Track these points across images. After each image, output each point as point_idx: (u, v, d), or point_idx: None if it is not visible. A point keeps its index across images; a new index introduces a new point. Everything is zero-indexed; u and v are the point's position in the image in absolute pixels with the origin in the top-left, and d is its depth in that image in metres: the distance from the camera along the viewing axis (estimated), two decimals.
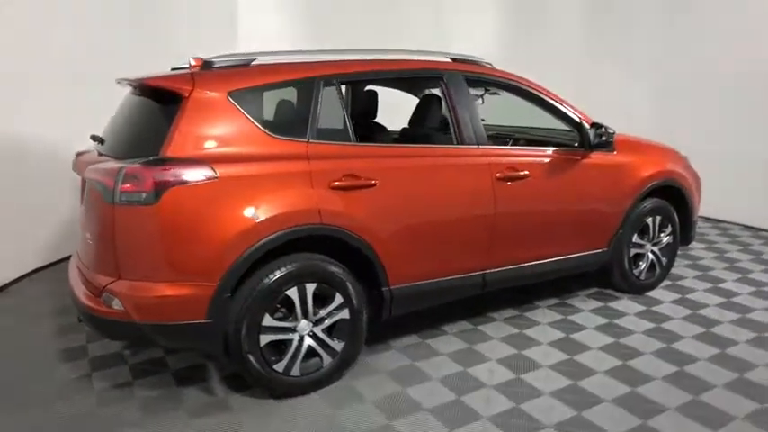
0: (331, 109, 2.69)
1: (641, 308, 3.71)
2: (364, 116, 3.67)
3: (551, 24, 7.14)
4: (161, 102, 2.50)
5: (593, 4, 7.05)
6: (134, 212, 2.28)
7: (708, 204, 4.38)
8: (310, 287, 2.58)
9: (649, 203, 3.77)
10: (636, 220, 3.71)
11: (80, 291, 2.53)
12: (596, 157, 3.49)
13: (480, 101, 3.96)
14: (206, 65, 2.59)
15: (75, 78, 4.12)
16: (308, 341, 2.64)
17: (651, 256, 3.92)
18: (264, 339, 2.51)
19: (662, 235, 3.93)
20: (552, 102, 3.42)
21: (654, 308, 3.71)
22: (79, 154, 2.86)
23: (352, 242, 2.64)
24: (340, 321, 2.70)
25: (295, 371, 2.61)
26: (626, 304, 3.77)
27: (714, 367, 2.92)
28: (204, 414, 2.52)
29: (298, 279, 2.54)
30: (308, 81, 2.66)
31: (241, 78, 2.54)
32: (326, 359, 2.69)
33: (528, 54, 6.75)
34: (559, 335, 3.31)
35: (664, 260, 3.99)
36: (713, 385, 2.75)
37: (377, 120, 3.84)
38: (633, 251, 3.80)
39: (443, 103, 3.09)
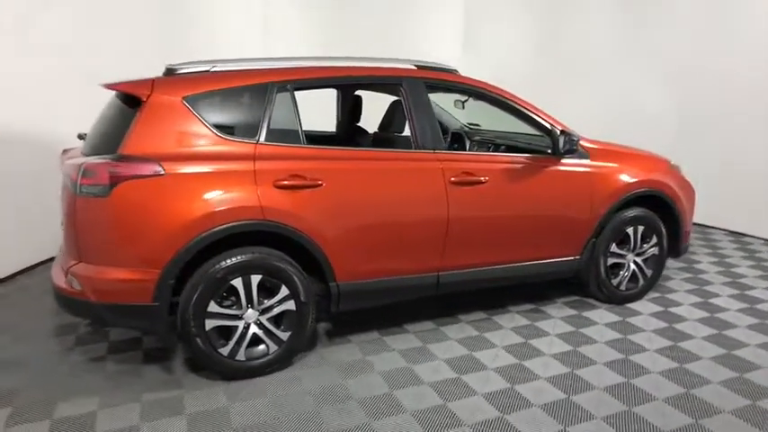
0: (283, 113, 2.87)
1: (615, 319, 3.64)
2: (349, 120, 3.82)
3: (579, 27, 7.00)
4: (128, 104, 2.77)
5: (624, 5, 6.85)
6: (91, 203, 2.56)
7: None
8: (255, 278, 2.77)
9: (630, 213, 3.69)
10: (614, 228, 3.65)
11: (56, 272, 2.85)
12: (567, 163, 3.47)
13: (461, 106, 4.03)
14: (169, 71, 2.84)
15: (90, 78, 4.51)
16: (254, 329, 2.83)
17: (633, 266, 3.83)
18: (210, 324, 2.72)
19: (645, 246, 3.83)
20: (520, 108, 3.44)
21: (628, 319, 3.64)
22: (65, 151, 3.20)
23: (295, 238, 2.80)
24: (286, 312, 2.88)
25: (240, 356, 2.81)
26: (600, 314, 3.72)
27: (662, 381, 2.86)
28: (157, 389, 2.76)
29: (242, 270, 2.73)
30: (260, 87, 2.85)
31: (196, 84, 2.77)
32: (272, 347, 2.87)
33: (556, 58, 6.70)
34: (518, 340, 3.33)
35: (648, 272, 3.89)
36: (655, 398, 2.70)
37: (360, 124, 4.00)
38: (611, 260, 3.73)
39: (403, 108, 3.19)
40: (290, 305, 2.87)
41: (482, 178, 3.21)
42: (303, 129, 2.92)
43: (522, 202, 3.36)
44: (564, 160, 3.47)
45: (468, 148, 4.10)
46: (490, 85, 3.40)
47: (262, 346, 2.86)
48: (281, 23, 6.53)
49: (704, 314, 3.71)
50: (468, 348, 3.21)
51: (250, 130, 2.80)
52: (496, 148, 4.00)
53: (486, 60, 7.17)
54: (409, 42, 6.99)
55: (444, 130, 4.28)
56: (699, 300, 3.96)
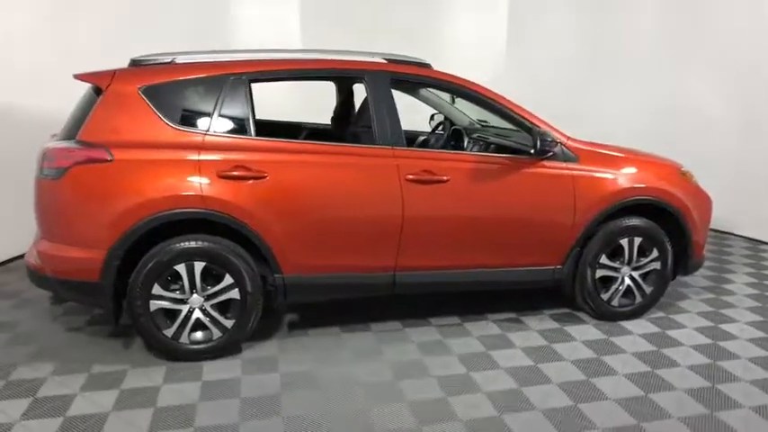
0: (235, 105, 2.92)
1: (597, 336, 3.35)
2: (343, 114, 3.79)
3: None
4: (94, 93, 2.94)
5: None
6: (49, 185, 2.76)
7: None
8: (199, 265, 2.85)
9: (625, 222, 3.36)
10: (603, 238, 3.35)
11: (30, 249, 3.10)
12: (546, 165, 3.23)
13: (452, 101, 3.87)
14: (133, 63, 2.98)
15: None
16: (197, 314, 2.91)
17: (628, 281, 3.49)
18: (154, 306, 2.84)
19: (644, 259, 3.48)
20: (495, 104, 3.25)
21: (613, 338, 3.33)
22: (52, 136, 3.45)
23: (236, 228, 2.85)
24: (231, 300, 2.94)
25: (183, 339, 2.91)
26: (584, 330, 3.43)
27: (615, 410, 2.59)
28: (108, 361, 2.94)
29: (186, 257, 2.82)
30: (214, 78, 2.91)
31: (154, 75, 2.88)
32: (216, 334, 2.95)
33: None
34: (479, 349, 3.16)
35: (647, 288, 3.53)
36: (596, 427, 2.46)
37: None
38: (601, 273, 3.43)
39: (369, 103, 3.12)
40: (235, 294, 2.92)
41: (444, 177, 3.07)
42: (257, 120, 2.96)
43: (490, 204, 3.17)
44: (546, 162, 3.23)
45: (465, 145, 3.92)
46: (463, 80, 3.23)
47: (207, 332, 2.94)
48: (314, 22, 6.59)
49: (705, 341, 3.31)
50: (422, 353, 3.10)
51: (201, 121, 2.88)
52: (487, 147, 3.79)
53: (531, 59, 6.81)
54: (450, 40, 6.80)
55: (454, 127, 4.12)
56: (707, 324, 3.54)
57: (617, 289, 3.48)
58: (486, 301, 3.73)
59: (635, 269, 3.50)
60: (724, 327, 3.51)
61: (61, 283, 2.84)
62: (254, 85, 3.13)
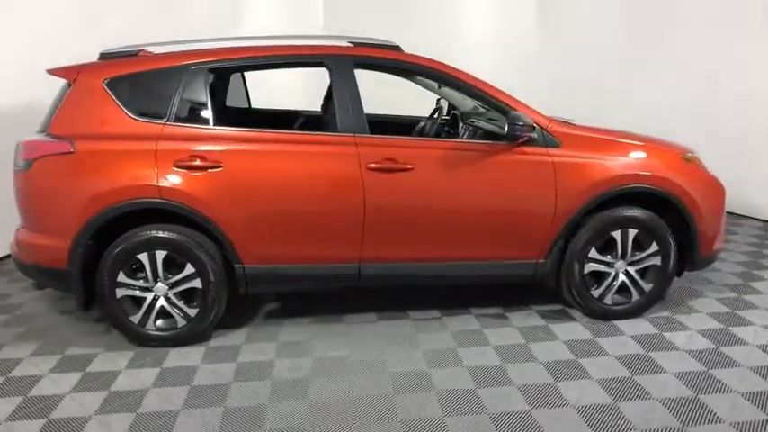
0: (194, 95, 2.92)
1: (583, 336, 3.10)
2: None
3: None
4: (67, 87, 3.04)
5: None
6: (21, 176, 2.89)
7: None
8: (160, 254, 2.90)
9: (617, 213, 3.08)
10: (592, 230, 3.08)
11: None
12: (523, 151, 3.00)
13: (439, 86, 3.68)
14: (102, 56, 3.05)
15: None
16: (162, 302, 2.97)
17: (623, 277, 3.20)
18: (120, 293, 2.93)
19: (640, 253, 3.17)
20: (468, 86, 3.06)
21: (600, 339, 3.07)
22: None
23: (193, 218, 2.86)
24: (195, 290, 2.97)
25: (149, 325, 2.98)
26: (570, 329, 3.19)
27: (573, 418, 2.38)
28: (84, 344, 3.07)
29: (147, 246, 2.88)
30: (174, 69, 2.92)
31: (118, 68, 2.93)
32: (180, 321, 3.00)
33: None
34: (449, 345, 3.02)
35: (645, 285, 3.22)
36: None
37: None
38: (591, 267, 3.16)
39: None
40: (197, 283, 2.95)
41: (408, 166, 2.92)
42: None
43: (459, 193, 2.99)
44: (526, 148, 3.00)
45: (460, 131, 3.72)
46: (431, 62, 3.06)
47: (170, 319, 3.00)
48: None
49: (706, 345, 2.97)
50: (392, 345, 3.00)
51: (160, 112, 2.90)
52: (474, 133, 3.57)
53: (563, 36, 6.39)
54: (476, 17, 6.52)
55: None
56: (716, 326, 3.18)
57: (609, 285, 3.20)
58: (483, 293, 3.56)
59: (631, 264, 3.19)
60: (735, 330, 3.14)
61: (36, 270, 2.98)
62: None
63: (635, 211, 3.09)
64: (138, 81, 2.92)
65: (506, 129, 2.86)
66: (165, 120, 2.89)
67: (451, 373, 2.74)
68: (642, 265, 3.20)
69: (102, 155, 2.83)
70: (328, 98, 3.25)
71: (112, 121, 2.87)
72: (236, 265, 2.97)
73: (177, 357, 2.95)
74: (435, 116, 4.09)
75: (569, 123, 3.37)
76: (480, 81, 3.07)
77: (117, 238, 2.86)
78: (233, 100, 3.97)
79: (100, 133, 2.86)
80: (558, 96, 5.87)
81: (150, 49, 3.04)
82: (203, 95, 2.93)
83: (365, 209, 2.93)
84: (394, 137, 3.01)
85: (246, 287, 3.03)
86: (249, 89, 4.24)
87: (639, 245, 3.17)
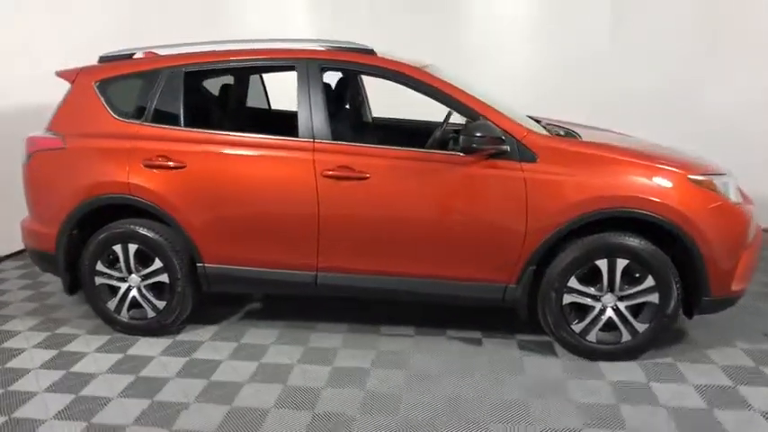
0: (169, 97, 3.03)
1: (554, 376, 2.75)
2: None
3: None
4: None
5: None
6: (24, 168, 3.21)
7: None
8: (132, 247, 3.06)
9: (603, 238, 2.70)
10: (572, 257, 2.73)
11: None
12: (495, 164, 2.73)
13: None
14: (100, 59, 3.28)
15: None
16: (134, 293, 3.14)
17: (611, 313, 2.80)
18: (98, 281, 3.14)
19: (630, 288, 2.76)
20: (438, 92, 2.85)
21: (571, 381, 2.70)
22: None
23: (159, 215, 2.98)
24: (164, 284, 3.10)
25: (123, 314, 3.17)
26: (545, 366, 2.85)
27: None
28: (74, 325, 3.33)
29: (120, 239, 3.06)
30: (153, 72, 3.06)
31: (107, 70, 3.14)
32: (150, 313, 3.14)
33: None
34: (351, 365, 2.84)
35: (638, 325, 2.79)
36: None
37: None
38: (569, 298, 2.80)
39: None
40: (164, 278, 3.08)
41: (365, 174, 2.80)
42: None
43: (418, 205, 2.79)
44: (497, 161, 2.73)
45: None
46: (401, 65, 2.90)
47: (141, 310, 3.15)
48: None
49: (697, 404, 2.50)
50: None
51: (139, 112, 3.06)
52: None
53: (637, 35, 5.75)
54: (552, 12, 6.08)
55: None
56: (723, 384, 2.66)
57: (594, 321, 2.82)
58: (447, 313, 3.33)
59: (622, 299, 2.78)
60: (745, 390, 2.60)
61: (33, 254, 3.30)
62: None
63: (625, 238, 2.69)
64: (123, 83, 3.11)
65: (460, 140, 2.63)
66: (142, 120, 3.04)
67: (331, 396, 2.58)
68: (635, 302, 2.78)
69: (87, 151, 3.05)
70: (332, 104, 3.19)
71: (99, 121, 3.08)
72: (197, 264, 3.05)
73: (144, 346, 3.09)
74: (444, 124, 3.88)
75: (562, 135, 3.03)
76: (453, 88, 2.86)
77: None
78: (253, 101, 4.09)
79: (88, 131, 3.09)
80: (629, 106, 5.40)
81: (141, 53, 3.21)
82: (178, 97, 3.03)
83: (319, 216, 2.85)
84: (352, 143, 2.90)
85: (208, 286, 3.10)
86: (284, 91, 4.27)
87: (634, 277, 2.76)
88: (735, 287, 2.77)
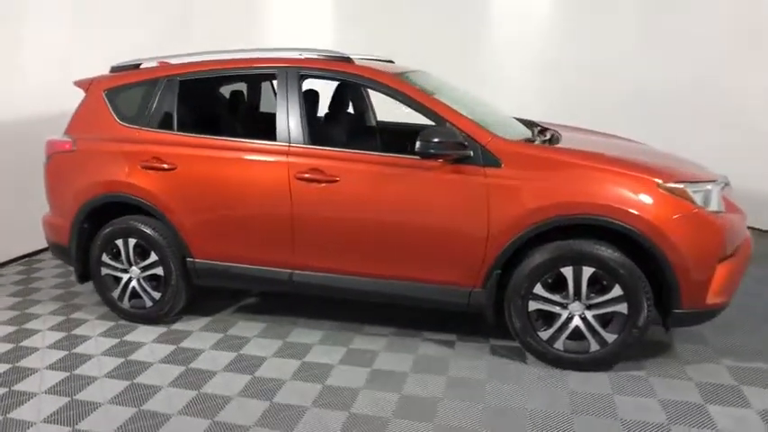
0: (165, 104, 3.28)
1: (506, 387, 2.74)
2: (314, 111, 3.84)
3: None
4: None
5: None
6: (45, 168, 3.56)
7: None
8: (132, 241, 3.34)
9: (567, 245, 2.66)
10: (537, 264, 2.71)
11: None
12: (459, 169, 2.76)
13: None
14: (111, 69, 3.58)
15: None
16: (134, 284, 3.41)
17: (578, 321, 2.75)
18: (104, 272, 3.44)
19: (596, 296, 2.70)
20: (408, 99, 2.93)
21: (537, 388, 2.68)
22: None
23: (153, 213, 3.23)
24: (158, 276, 3.35)
25: (125, 302, 3.45)
26: (513, 373, 2.84)
27: None
28: (88, 312, 3.65)
29: (122, 234, 3.34)
30: (153, 81, 3.32)
31: (115, 80, 3.43)
32: (147, 302, 3.41)
33: None
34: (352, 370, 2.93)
35: (607, 336, 2.72)
36: None
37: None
38: (536, 306, 2.78)
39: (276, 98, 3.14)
40: (159, 271, 3.33)
41: (335, 177, 2.91)
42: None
43: (385, 208, 2.87)
44: (462, 166, 2.76)
45: None
46: (375, 73, 3.02)
47: (141, 300, 3.42)
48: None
49: (659, 420, 2.41)
50: (230, 351, 3.03)
51: (140, 118, 3.33)
52: None
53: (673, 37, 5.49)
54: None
55: None
56: (695, 401, 2.54)
57: (560, 329, 2.77)
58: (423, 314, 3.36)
59: (590, 308, 2.72)
60: (713, 410, 2.48)
61: (51, 245, 3.66)
62: None
63: (591, 246, 2.63)
64: (128, 91, 3.40)
65: (416, 146, 2.68)
66: (142, 125, 3.30)
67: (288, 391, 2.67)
68: (602, 311, 2.71)
69: (94, 153, 3.36)
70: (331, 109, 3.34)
71: (106, 125, 3.38)
72: (187, 259, 3.27)
73: (141, 333, 3.35)
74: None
75: (536, 140, 3.00)
76: (421, 94, 2.92)
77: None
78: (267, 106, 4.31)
79: (96, 135, 3.40)
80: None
81: (148, 63, 3.49)
82: (173, 104, 3.28)
83: (293, 217, 2.99)
84: (325, 147, 3.01)
85: (198, 279, 3.31)
86: None
87: (603, 286, 2.69)
88: (711, 300, 2.64)
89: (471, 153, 2.74)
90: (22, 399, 2.70)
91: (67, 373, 2.92)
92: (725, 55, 5.06)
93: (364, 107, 4.29)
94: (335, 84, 3.69)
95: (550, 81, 6.12)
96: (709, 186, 2.72)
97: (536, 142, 3.07)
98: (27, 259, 4.67)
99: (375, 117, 4.40)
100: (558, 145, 3.01)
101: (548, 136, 3.29)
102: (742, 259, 2.77)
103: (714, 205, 2.67)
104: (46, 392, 2.76)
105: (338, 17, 6.84)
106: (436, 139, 2.67)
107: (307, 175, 2.95)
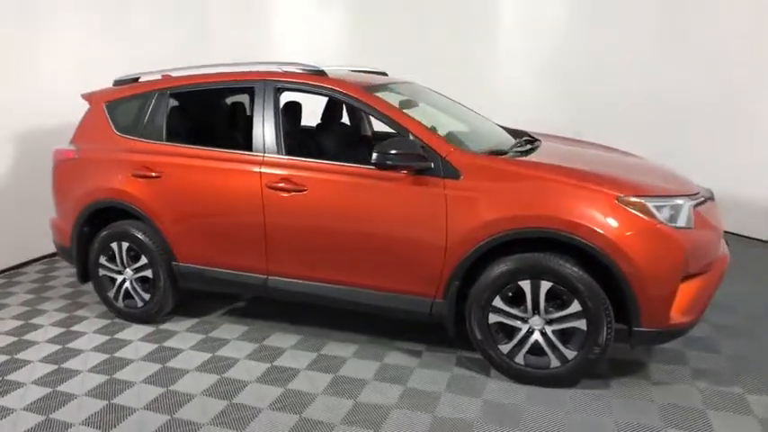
0: (156, 116, 3.48)
1: (471, 399, 2.73)
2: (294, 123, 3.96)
3: None
4: None
5: None
6: (52, 175, 3.84)
7: None
8: (125, 245, 3.54)
9: (523, 259, 2.64)
10: (494, 276, 2.69)
11: None
12: (418, 180, 2.79)
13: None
14: (114, 82, 3.82)
15: None
16: (127, 285, 3.61)
17: (538, 336, 2.71)
18: (101, 272, 3.66)
19: (555, 311, 2.65)
20: (374, 112, 3.00)
21: (489, 398, 2.66)
22: None
23: (142, 219, 3.42)
24: (148, 278, 3.54)
25: (119, 302, 3.66)
26: (475, 386, 2.83)
27: None
28: (92, 310, 3.89)
29: (116, 238, 3.55)
30: (147, 94, 3.53)
31: (115, 93, 3.66)
32: (139, 303, 3.61)
33: None
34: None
35: (568, 352, 2.67)
36: None
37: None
38: (496, 318, 2.76)
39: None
40: (149, 273, 3.52)
41: (303, 187, 3.00)
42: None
43: (346, 217, 2.94)
44: (424, 177, 2.79)
45: None
46: (343, 85, 3.09)
47: (133, 300, 3.62)
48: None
49: None
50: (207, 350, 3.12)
51: (134, 129, 3.54)
52: None
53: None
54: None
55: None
56: (651, 425, 2.46)
57: (520, 343, 2.74)
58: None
59: (550, 323, 2.68)
60: None
61: (57, 247, 3.93)
62: None
63: (549, 259, 2.59)
64: (125, 104, 3.61)
65: (373, 157, 2.73)
66: (136, 135, 3.51)
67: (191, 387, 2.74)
68: (562, 326, 2.66)
69: (93, 162, 3.59)
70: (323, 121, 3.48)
71: (104, 136, 3.61)
72: (172, 262, 3.44)
73: (130, 332, 3.55)
74: None
75: (495, 151, 3.00)
76: (387, 107, 2.99)
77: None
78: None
79: (96, 145, 3.63)
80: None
81: (144, 77, 3.71)
82: (163, 116, 3.47)
83: (265, 225, 3.10)
84: (295, 158, 3.10)
85: (182, 282, 3.48)
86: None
87: (563, 301, 2.65)
88: (676, 319, 2.55)
89: (432, 165, 2.77)
90: (10, 388, 2.92)
91: (56, 366, 3.13)
92: (743, 64, 4.84)
93: (359, 117, 4.38)
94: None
95: (565, 91, 6.02)
96: (679, 201, 2.64)
97: (508, 154, 3.06)
98: (48, 259, 5.00)
99: (371, 127, 4.47)
100: (528, 157, 2.99)
101: (526, 147, 3.27)
102: (713, 278, 2.66)
103: (682, 221, 2.58)
104: (33, 383, 2.97)
105: (352, 34, 6.99)
106: (393, 151, 2.71)
107: (278, 185, 3.05)
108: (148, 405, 2.73)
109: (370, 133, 4.44)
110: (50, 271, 4.74)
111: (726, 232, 2.98)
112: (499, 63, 6.42)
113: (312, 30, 7.14)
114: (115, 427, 2.58)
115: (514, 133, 3.75)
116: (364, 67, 3.87)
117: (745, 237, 5.04)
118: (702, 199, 2.86)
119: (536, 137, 3.64)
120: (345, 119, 4.37)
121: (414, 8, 6.68)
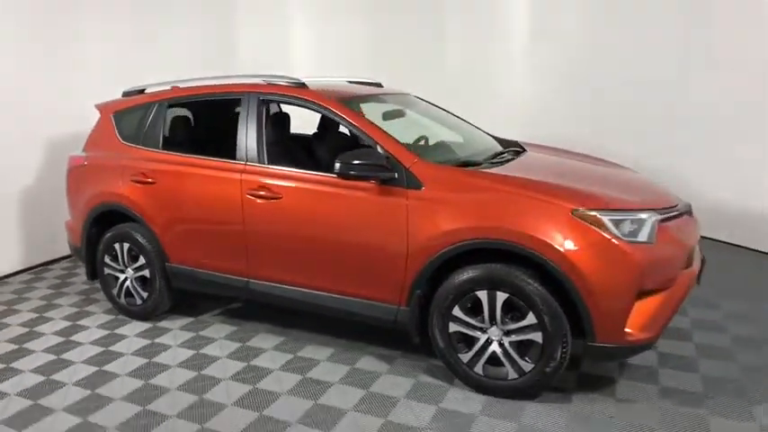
0: (156, 125, 3.71)
1: (441, 408, 2.77)
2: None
3: None
4: None
5: None
6: (66, 179, 4.15)
7: None
8: (126, 246, 3.79)
9: (483, 269, 2.66)
10: (453, 286, 2.72)
11: None
12: (383, 190, 2.87)
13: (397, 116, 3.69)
14: (123, 93, 4.09)
15: None
16: (128, 284, 3.86)
17: (496, 347, 2.72)
18: (106, 271, 3.93)
19: (512, 322, 2.65)
20: (346, 123, 3.10)
21: (441, 405, 2.69)
22: None
23: (139, 222, 3.65)
24: (146, 278, 3.78)
25: (122, 299, 3.91)
26: (436, 394, 2.86)
27: None
28: (100, 307, 4.19)
29: (118, 239, 3.81)
30: (148, 104, 3.77)
31: (122, 104, 3.94)
32: (138, 301, 3.84)
33: None
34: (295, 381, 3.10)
35: (525, 365, 2.66)
36: None
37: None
38: (456, 328, 2.79)
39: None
40: (146, 273, 3.75)
41: (279, 195, 3.13)
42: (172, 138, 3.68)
43: (318, 224, 3.05)
44: (390, 186, 2.86)
45: None
46: (321, 97, 3.21)
47: (133, 298, 3.86)
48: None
49: None
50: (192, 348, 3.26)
51: (136, 138, 3.78)
52: None
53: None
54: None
55: None
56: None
57: (479, 353, 2.76)
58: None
59: (508, 334, 2.69)
60: None
61: (71, 247, 4.24)
62: None
63: (504, 270, 2.61)
64: (130, 114, 3.88)
65: (336, 167, 2.82)
66: (136, 144, 3.76)
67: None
68: (518, 338, 2.66)
69: (100, 168, 3.87)
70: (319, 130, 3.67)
71: (111, 144, 3.88)
72: (165, 263, 3.65)
73: (129, 328, 3.78)
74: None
75: (462, 161, 3.03)
76: (359, 119, 3.09)
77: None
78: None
79: (103, 152, 3.91)
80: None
81: (150, 89, 3.96)
82: (161, 126, 3.70)
83: (245, 231, 3.26)
84: (273, 167, 3.23)
85: (174, 282, 3.68)
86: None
87: (520, 313, 2.65)
88: (633, 335, 2.50)
89: (396, 175, 2.83)
90: (10, 375, 3.20)
91: (55, 357, 3.39)
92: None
93: None
94: None
95: (585, 102, 5.93)
96: (642, 216, 2.59)
97: (481, 165, 3.08)
98: (73, 258, 5.37)
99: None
100: (499, 168, 3.01)
101: (504, 158, 3.28)
102: (675, 294, 2.59)
103: (643, 236, 2.54)
104: (32, 371, 3.23)
105: (376, 49, 7.13)
106: (356, 161, 2.80)
107: (256, 192, 3.20)
108: (126, 396, 2.92)
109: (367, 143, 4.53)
110: (74, 269, 5.08)
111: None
112: (519, 75, 6.40)
113: (334, 42, 7.34)
114: (93, 413, 2.79)
115: (506, 144, 3.77)
116: (362, 78, 4.01)
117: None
118: (676, 213, 2.79)
119: (525, 147, 3.64)
120: (344, 129, 4.49)
121: (433, 23, 6.78)
